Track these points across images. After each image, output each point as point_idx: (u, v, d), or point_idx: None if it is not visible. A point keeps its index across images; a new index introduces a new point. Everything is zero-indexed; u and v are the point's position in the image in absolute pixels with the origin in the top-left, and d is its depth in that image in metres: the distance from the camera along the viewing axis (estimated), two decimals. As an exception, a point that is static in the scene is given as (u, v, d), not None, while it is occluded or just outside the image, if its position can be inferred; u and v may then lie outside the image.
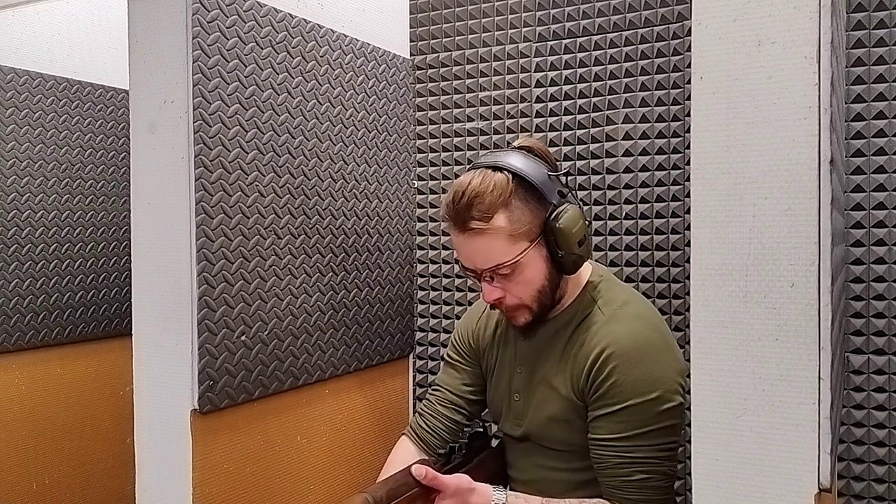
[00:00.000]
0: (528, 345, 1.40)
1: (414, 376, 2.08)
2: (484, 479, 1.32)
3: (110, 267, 2.49)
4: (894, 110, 1.59)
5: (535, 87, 1.94)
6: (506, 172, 1.23)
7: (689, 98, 1.38)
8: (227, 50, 1.42)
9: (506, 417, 1.45)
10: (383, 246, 1.85)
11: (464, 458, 1.42)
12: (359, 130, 1.76)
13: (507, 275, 1.25)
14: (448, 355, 1.58)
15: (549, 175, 1.25)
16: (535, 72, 1.94)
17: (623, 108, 1.83)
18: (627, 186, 1.82)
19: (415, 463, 1.24)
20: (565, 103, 1.90)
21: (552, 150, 1.89)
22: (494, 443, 1.55)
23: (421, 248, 2.09)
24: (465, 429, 1.55)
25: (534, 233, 1.23)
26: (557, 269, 1.26)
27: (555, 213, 1.22)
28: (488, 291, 1.28)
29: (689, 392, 1.27)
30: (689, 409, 1.06)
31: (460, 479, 1.24)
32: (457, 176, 2.05)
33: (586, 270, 1.37)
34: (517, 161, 1.25)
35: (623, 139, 1.82)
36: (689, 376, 1.04)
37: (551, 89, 1.92)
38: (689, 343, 1.03)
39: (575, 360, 1.29)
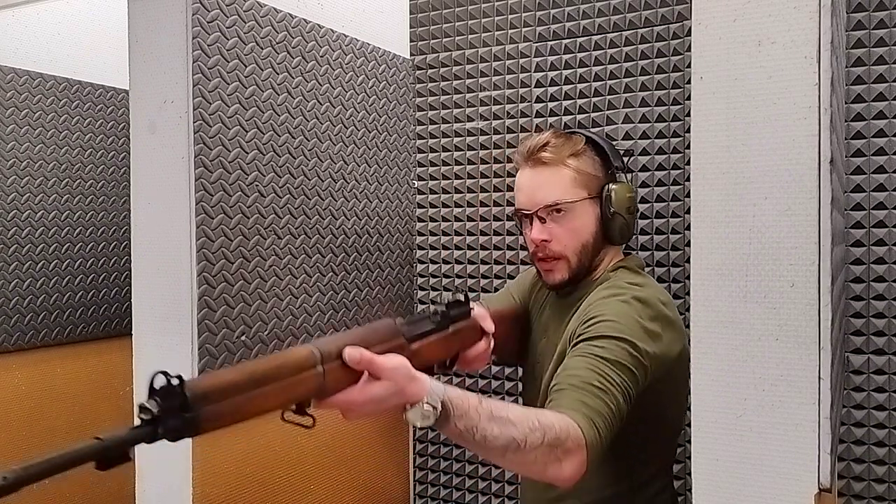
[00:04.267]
0: (550, 315, 1.45)
1: (414, 376, 2.08)
2: (459, 349, 1.27)
3: (110, 267, 2.49)
4: (894, 110, 1.59)
5: (535, 87, 1.94)
6: (580, 135, 1.38)
7: (689, 98, 1.38)
8: (227, 50, 1.42)
9: (526, 380, 1.50)
10: (383, 246, 1.85)
11: (439, 324, 1.26)
12: (359, 130, 1.76)
13: (561, 217, 1.34)
14: (508, 286, 1.63)
15: (616, 148, 1.40)
16: (535, 72, 1.94)
17: (623, 108, 1.83)
18: (627, 186, 1.82)
19: (350, 345, 1.02)
20: (565, 103, 1.90)
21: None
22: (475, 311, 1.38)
23: (421, 248, 2.09)
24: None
25: (593, 188, 1.35)
26: (604, 232, 1.36)
27: (614, 176, 1.37)
28: (538, 230, 1.35)
29: (654, 376, 1.24)
30: (689, 409, 1.06)
31: (400, 363, 1.04)
32: (457, 176, 2.06)
33: (618, 258, 1.42)
34: (590, 134, 1.41)
35: (623, 139, 1.82)
36: (685, 375, 1.04)
37: (551, 89, 1.92)
38: (689, 343, 1.04)
39: (571, 320, 1.33)
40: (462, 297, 1.32)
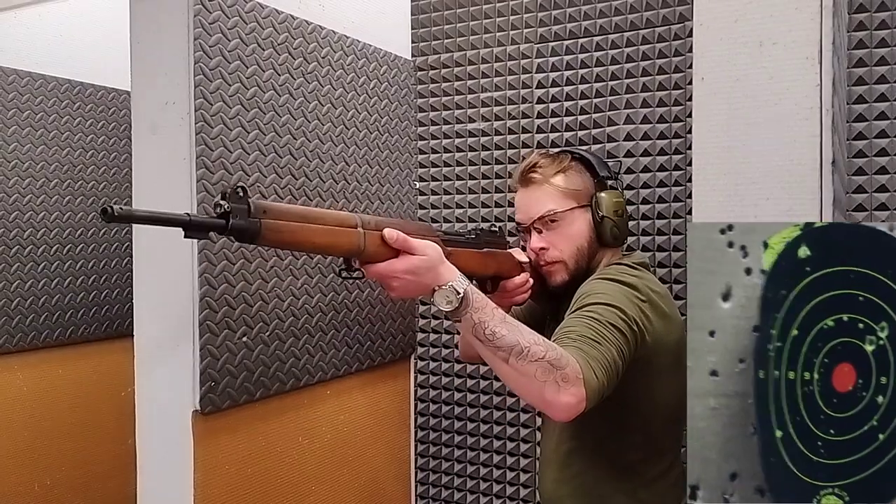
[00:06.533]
0: (555, 321, 1.48)
1: (415, 377, 2.08)
2: (495, 271, 1.43)
3: (112, 268, 2.49)
4: (896, 111, 1.59)
5: (536, 87, 1.94)
6: (566, 153, 1.50)
7: (690, 99, 1.38)
8: (229, 51, 1.42)
9: None
10: (385, 247, 1.85)
11: (473, 241, 1.42)
12: (360, 132, 1.76)
13: (555, 226, 1.45)
14: None
15: (602, 159, 1.52)
16: (536, 73, 1.94)
17: (624, 108, 1.83)
18: (629, 187, 1.82)
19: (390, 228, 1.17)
20: (567, 104, 1.90)
21: (554, 150, 1.89)
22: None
23: (422, 249, 2.09)
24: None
25: (582, 198, 1.46)
26: (598, 236, 1.46)
27: (600, 184, 1.47)
28: (535, 239, 1.47)
29: (641, 356, 1.24)
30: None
31: (432, 244, 1.18)
32: (458, 177, 2.06)
33: (616, 257, 1.49)
34: (576, 151, 1.53)
35: (624, 140, 1.83)
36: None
37: (553, 90, 1.92)
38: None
39: (569, 306, 1.34)
40: (496, 229, 1.49)
